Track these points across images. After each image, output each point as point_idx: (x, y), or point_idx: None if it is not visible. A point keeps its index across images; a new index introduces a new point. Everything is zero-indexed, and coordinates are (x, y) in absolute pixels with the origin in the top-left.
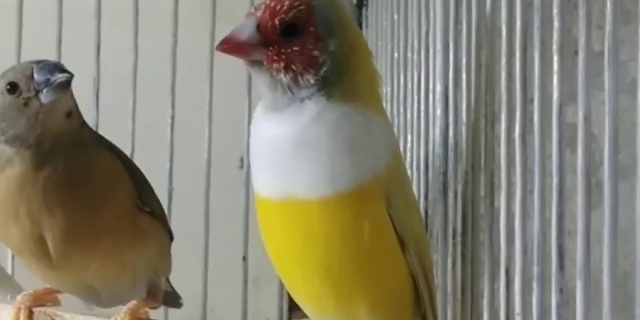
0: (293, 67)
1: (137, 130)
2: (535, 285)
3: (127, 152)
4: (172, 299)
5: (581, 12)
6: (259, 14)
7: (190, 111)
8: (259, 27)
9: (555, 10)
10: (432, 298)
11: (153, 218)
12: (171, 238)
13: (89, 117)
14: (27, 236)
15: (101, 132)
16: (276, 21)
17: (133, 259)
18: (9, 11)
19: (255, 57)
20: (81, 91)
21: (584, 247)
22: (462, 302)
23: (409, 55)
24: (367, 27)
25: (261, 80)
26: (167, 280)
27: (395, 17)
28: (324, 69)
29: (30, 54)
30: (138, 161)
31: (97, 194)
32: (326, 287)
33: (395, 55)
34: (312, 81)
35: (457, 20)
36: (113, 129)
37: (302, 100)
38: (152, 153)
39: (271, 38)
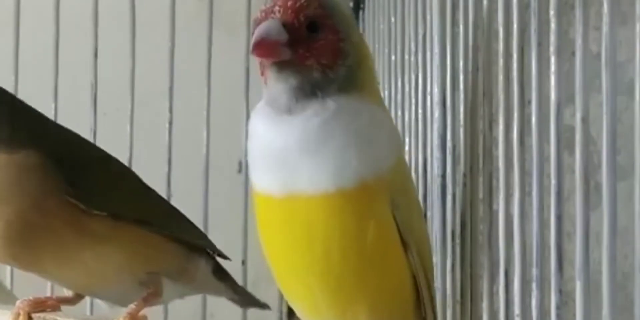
0: (322, 61)
1: (135, 135)
2: (534, 286)
3: (126, 156)
4: (253, 302)
5: (578, 14)
6: (278, 14)
7: (188, 115)
8: (285, 26)
9: (552, 12)
10: (432, 301)
11: (118, 221)
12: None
13: (86, 122)
14: None
15: (99, 136)
16: (301, 17)
17: (102, 263)
18: (6, 16)
19: (286, 57)
20: (79, 96)
21: (583, 249)
22: (462, 304)
23: (407, 57)
24: (364, 30)
25: (284, 83)
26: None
27: (393, 19)
28: (350, 57)
29: (28, 58)
30: (136, 166)
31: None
32: (325, 288)
33: (393, 58)
34: (341, 71)
35: (454, 23)
36: (111, 133)
37: (323, 97)
38: (150, 157)
39: (299, 35)
